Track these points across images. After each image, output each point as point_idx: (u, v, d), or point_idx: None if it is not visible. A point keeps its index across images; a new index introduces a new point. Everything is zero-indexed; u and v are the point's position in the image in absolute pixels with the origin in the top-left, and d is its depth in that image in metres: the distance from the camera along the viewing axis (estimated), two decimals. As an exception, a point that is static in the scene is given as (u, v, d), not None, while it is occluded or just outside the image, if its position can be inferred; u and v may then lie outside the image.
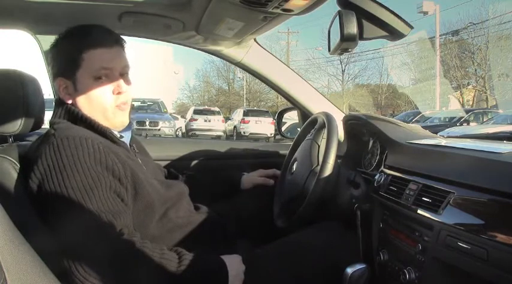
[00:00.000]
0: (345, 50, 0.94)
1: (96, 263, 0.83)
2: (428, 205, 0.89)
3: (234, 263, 0.97)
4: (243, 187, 1.47)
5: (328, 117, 1.28)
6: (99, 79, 1.01)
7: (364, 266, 1.04)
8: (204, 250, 0.98)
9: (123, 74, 1.05)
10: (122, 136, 1.08)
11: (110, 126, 1.04)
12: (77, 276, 0.82)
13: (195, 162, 1.69)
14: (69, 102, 1.03)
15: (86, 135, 0.94)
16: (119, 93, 1.03)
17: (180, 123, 17.00)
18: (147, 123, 11.67)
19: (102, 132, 1.01)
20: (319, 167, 1.18)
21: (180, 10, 1.23)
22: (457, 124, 13.18)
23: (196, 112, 17.31)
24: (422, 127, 1.58)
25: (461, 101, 23.89)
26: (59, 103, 1.06)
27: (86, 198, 0.86)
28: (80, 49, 1.00)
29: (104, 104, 1.02)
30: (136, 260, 0.87)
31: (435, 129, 9.58)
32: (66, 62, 1.02)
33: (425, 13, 22.59)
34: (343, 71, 29.95)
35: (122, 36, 1.10)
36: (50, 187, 0.87)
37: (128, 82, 1.06)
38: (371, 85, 30.66)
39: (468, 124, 13.01)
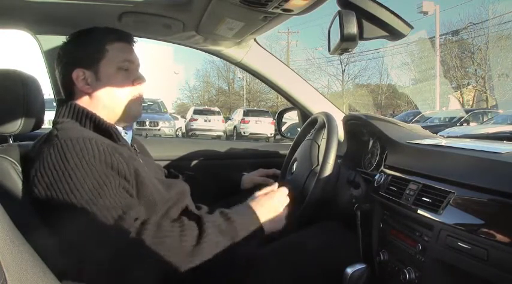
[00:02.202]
0: (345, 50, 0.94)
1: (115, 256, 0.84)
2: (428, 205, 0.89)
3: (262, 206, 1.03)
4: (243, 187, 1.47)
5: (328, 117, 1.28)
6: (122, 70, 1.07)
7: (364, 266, 1.04)
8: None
9: (138, 71, 1.13)
10: (125, 133, 1.10)
11: (123, 118, 1.08)
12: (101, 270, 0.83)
13: (195, 162, 1.69)
14: (89, 91, 1.05)
15: (90, 136, 0.94)
16: (137, 84, 1.10)
17: (180, 123, 17.02)
18: (147, 123, 11.67)
19: (107, 130, 1.01)
20: (319, 167, 1.18)
21: (180, 10, 1.23)
22: (457, 124, 13.18)
23: (196, 112, 17.30)
24: (422, 127, 1.57)
25: (461, 101, 23.89)
26: (63, 101, 1.07)
27: (97, 196, 0.86)
28: (105, 41, 1.06)
29: (124, 93, 1.07)
30: (156, 245, 0.86)
31: (435, 129, 9.58)
32: (89, 52, 1.05)
33: (425, 13, 22.58)
34: (343, 71, 29.98)
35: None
36: (59, 190, 0.86)
37: (143, 78, 1.13)
38: (371, 85, 30.67)
39: (468, 124, 13.01)
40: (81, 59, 1.05)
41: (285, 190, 1.10)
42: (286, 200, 1.09)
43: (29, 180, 0.91)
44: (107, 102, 1.06)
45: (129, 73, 1.09)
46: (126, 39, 1.10)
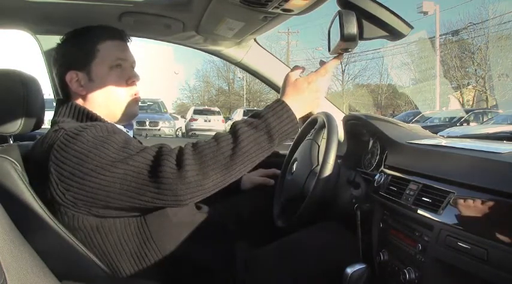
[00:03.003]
0: (345, 50, 0.94)
1: (164, 188, 0.82)
2: (428, 205, 0.89)
3: (290, 91, 0.91)
4: (243, 187, 1.47)
5: (328, 117, 1.28)
6: (114, 68, 1.05)
7: (364, 266, 1.04)
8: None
9: (133, 68, 1.11)
10: (127, 131, 1.10)
11: (120, 117, 1.07)
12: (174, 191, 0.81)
13: None
14: (83, 93, 1.04)
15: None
16: (132, 82, 1.08)
17: (180, 123, 17.03)
18: (147, 123, 11.67)
19: None
20: (319, 167, 1.18)
21: (180, 10, 1.23)
22: (457, 124, 13.19)
23: (196, 112, 17.34)
24: (422, 127, 1.57)
25: (461, 101, 23.90)
26: (62, 101, 1.06)
27: (128, 149, 0.86)
28: (96, 41, 1.04)
29: (119, 93, 1.06)
30: (198, 159, 0.83)
31: (435, 129, 9.60)
32: (81, 53, 1.04)
33: (425, 13, 22.61)
34: (343, 71, 29.99)
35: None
36: (91, 164, 0.83)
37: (137, 76, 1.11)
38: (371, 85, 30.71)
39: (468, 124, 13.02)
40: (73, 60, 1.05)
41: (324, 72, 0.93)
42: (324, 84, 0.93)
43: (36, 178, 0.90)
44: (102, 102, 1.05)
45: (123, 72, 1.07)
46: (118, 37, 1.08)
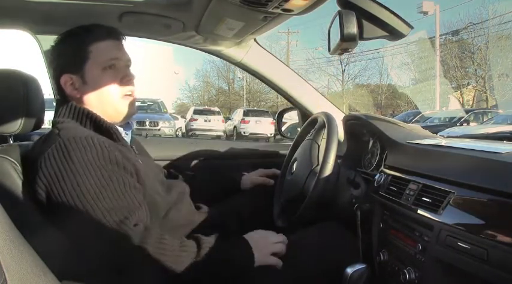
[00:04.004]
0: (345, 50, 0.94)
1: (113, 260, 0.85)
2: (428, 205, 0.89)
3: (258, 241, 1.01)
4: (243, 187, 1.47)
5: (328, 117, 1.28)
6: (107, 69, 1.03)
7: (364, 266, 1.04)
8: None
9: (127, 67, 1.09)
10: (126, 134, 1.09)
11: (117, 118, 1.06)
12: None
13: (195, 162, 1.69)
14: (77, 96, 1.03)
15: (91, 135, 0.94)
16: (126, 81, 1.06)
17: (180, 123, 17.02)
18: (147, 123, 11.65)
19: (107, 130, 1.00)
20: (319, 167, 1.18)
21: (180, 10, 1.23)
22: (457, 124, 13.20)
23: (196, 112, 17.32)
24: (422, 127, 1.57)
25: (461, 101, 23.90)
26: (62, 102, 1.06)
27: (100, 197, 0.86)
28: (87, 42, 1.03)
29: (113, 93, 1.04)
30: (154, 254, 0.86)
31: (435, 129, 9.59)
32: (73, 56, 1.03)
33: (425, 13, 22.62)
34: (343, 71, 30.01)
35: (121, 36, 1.10)
36: (61, 189, 0.86)
37: (132, 74, 1.09)
38: (371, 85, 30.69)
39: (468, 124, 13.03)
40: (66, 64, 1.04)
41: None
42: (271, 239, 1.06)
43: (29, 179, 0.91)
44: (97, 105, 1.04)
45: (117, 72, 1.05)
46: (112, 36, 1.06)
